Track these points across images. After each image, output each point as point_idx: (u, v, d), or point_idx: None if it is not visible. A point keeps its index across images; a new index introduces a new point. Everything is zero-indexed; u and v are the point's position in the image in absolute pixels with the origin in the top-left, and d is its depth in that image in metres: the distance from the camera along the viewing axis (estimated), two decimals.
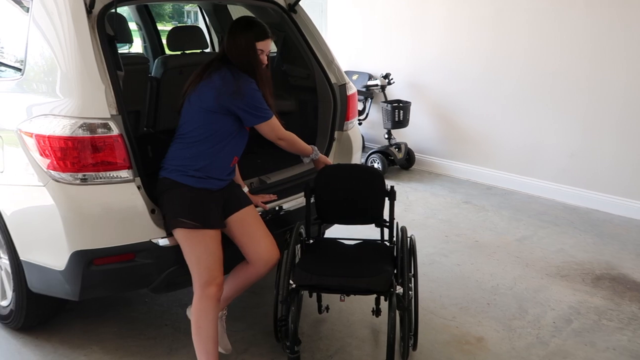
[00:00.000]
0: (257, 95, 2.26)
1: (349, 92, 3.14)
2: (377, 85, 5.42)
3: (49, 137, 2.15)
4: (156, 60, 3.24)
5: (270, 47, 2.35)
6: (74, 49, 2.22)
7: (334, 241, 2.69)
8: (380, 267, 2.33)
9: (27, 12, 2.43)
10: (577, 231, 4.00)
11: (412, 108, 5.26)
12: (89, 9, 2.27)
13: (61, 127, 2.14)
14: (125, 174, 2.22)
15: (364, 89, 5.45)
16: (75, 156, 2.14)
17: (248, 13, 3.30)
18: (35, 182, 2.22)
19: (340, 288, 2.28)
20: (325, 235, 3.06)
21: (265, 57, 2.33)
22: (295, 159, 2.65)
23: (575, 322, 2.85)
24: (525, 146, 4.77)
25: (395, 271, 2.37)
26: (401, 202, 4.42)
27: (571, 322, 2.85)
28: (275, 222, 2.65)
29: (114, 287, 2.48)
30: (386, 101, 5.31)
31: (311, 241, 2.64)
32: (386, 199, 2.63)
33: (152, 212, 2.27)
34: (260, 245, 2.38)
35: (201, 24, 4.84)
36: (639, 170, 4.18)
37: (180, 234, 2.22)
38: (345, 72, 3.28)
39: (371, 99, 5.59)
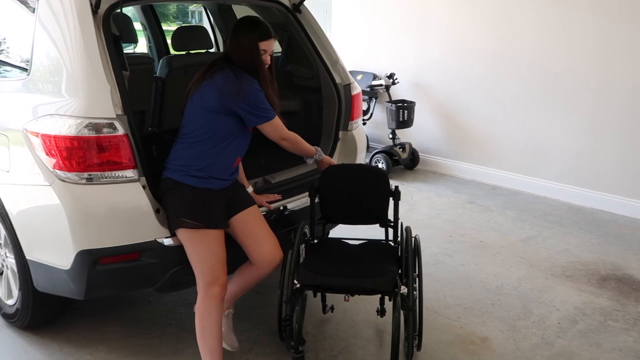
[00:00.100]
0: (260, 95, 2.26)
1: (354, 92, 3.13)
2: (381, 85, 5.41)
3: (54, 136, 2.16)
4: (161, 60, 3.25)
5: (273, 47, 2.34)
6: (80, 49, 2.23)
7: (338, 241, 2.69)
8: (385, 267, 2.33)
9: (33, 12, 2.45)
10: (582, 231, 3.99)
11: (416, 108, 5.26)
12: (95, 9, 2.28)
13: (67, 127, 2.15)
14: (130, 173, 2.23)
15: (368, 89, 5.45)
16: (81, 156, 2.15)
17: (253, 13, 3.30)
18: (41, 182, 2.23)
19: (344, 288, 2.28)
20: (330, 235, 3.06)
21: (269, 57, 2.33)
22: (299, 158, 2.65)
23: (581, 323, 2.84)
24: (530, 146, 4.76)
25: (399, 271, 2.37)
26: (405, 202, 4.41)
27: (576, 323, 2.84)
28: (280, 222, 2.65)
29: (119, 287, 2.49)
30: (390, 101, 5.31)
31: (315, 241, 2.64)
32: (390, 199, 2.63)
33: (157, 211, 2.28)
34: (263, 246, 2.38)
35: (206, 24, 4.84)
36: None
37: (183, 234, 2.22)
38: (350, 72, 3.28)
39: (375, 99, 5.58)
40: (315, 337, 2.69)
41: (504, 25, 4.75)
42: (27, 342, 2.64)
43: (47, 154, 2.19)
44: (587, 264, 3.49)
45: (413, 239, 2.48)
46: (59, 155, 2.16)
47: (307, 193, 2.66)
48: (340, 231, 3.06)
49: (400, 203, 2.64)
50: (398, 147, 5.26)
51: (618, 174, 4.29)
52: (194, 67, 2.50)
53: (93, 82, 2.21)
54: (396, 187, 2.64)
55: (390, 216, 2.65)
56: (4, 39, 2.87)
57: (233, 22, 2.56)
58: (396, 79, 5.41)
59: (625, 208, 4.26)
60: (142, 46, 4.86)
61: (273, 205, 2.63)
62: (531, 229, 4.03)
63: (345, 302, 2.41)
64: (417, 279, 2.40)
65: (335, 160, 3.02)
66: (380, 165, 5.17)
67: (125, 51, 2.79)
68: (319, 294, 2.74)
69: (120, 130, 2.19)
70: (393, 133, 5.32)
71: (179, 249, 2.26)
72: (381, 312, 2.59)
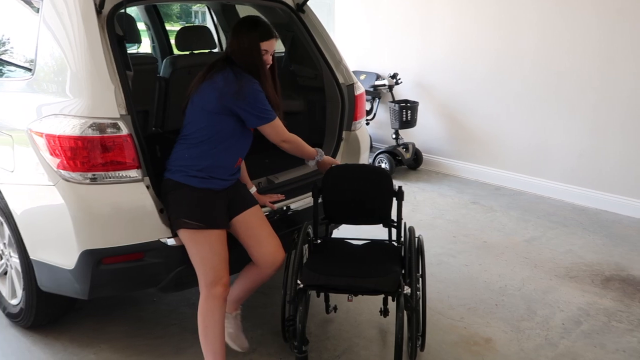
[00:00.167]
0: (260, 96, 2.24)
1: (357, 92, 3.13)
2: (384, 85, 5.41)
3: (59, 136, 2.16)
4: (164, 60, 3.25)
5: (274, 47, 2.33)
6: (84, 49, 2.23)
7: (341, 241, 2.68)
8: (388, 267, 2.33)
9: (38, 12, 2.45)
10: (586, 232, 3.98)
11: (419, 108, 5.25)
12: (99, 9, 2.28)
13: (71, 127, 2.15)
14: (134, 173, 2.23)
15: (371, 89, 5.44)
16: (85, 156, 2.16)
17: (256, 13, 3.31)
18: (45, 182, 2.23)
19: (348, 288, 2.28)
20: (333, 236, 3.06)
21: (270, 57, 2.32)
22: (302, 159, 2.65)
23: (585, 324, 2.83)
24: (534, 146, 4.75)
25: (403, 271, 2.36)
26: (409, 203, 4.40)
27: (580, 324, 2.84)
28: (283, 222, 2.65)
29: (122, 286, 2.49)
30: (394, 101, 5.30)
31: (319, 241, 2.64)
32: (394, 199, 2.62)
33: (160, 211, 2.28)
34: (264, 247, 2.37)
35: (209, 24, 4.85)
36: None
37: (184, 235, 2.22)
38: (353, 72, 3.28)
39: (379, 99, 5.58)
40: (318, 337, 2.69)
41: (506, 25, 4.74)
42: (31, 342, 2.65)
43: (51, 154, 2.20)
44: (591, 265, 3.48)
45: (416, 239, 2.47)
46: (63, 155, 2.16)
47: (310, 193, 2.66)
48: (343, 231, 3.06)
49: (404, 203, 2.63)
50: (401, 147, 5.26)
51: (622, 174, 4.28)
52: (198, 67, 2.50)
53: (97, 82, 2.21)
54: (399, 187, 2.64)
55: (394, 216, 2.65)
56: (9, 39, 2.88)
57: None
58: (399, 79, 5.41)
59: (629, 208, 4.25)
60: (145, 46, 4.87)
61: (276, 206, 2.62)
62: (535, 229, 4.02)
63: (349, 302, 2.41)
64: (420, 279, 2.40)
65: (338, 160, 3.02)
66: (383, 166, 5.16)
67: (129, 51, 2.80)
68: (322, 294, 2.74)
69: (124, 130, 2.20)
70: (396, 133, 5.31)
71: (182, 249, 2.26)
72: (384, 312, 2.59)
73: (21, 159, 2.39)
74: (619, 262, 3.51)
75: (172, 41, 4.64)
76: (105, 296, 2.86)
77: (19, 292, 2.65)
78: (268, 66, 2.32)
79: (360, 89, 3.19)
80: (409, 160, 5.28)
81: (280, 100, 2.39)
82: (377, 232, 2.79)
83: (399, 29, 5.51)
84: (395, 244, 2.64)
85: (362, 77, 5.55)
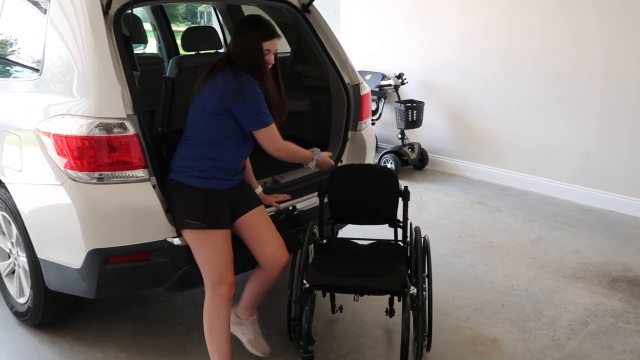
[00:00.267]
0: (260, 98, 2.21)
1: (363, 92, 3.13)
2: (390, 85, 5.40)
3: (66, 136, 2.18)
4: (171, 61, 3.27)
5: (277, 46, 2.31)
6: (91, 49, 2.24)
7: (347, 241, 2.68)
8: (394, 267, 2.33)
9: (45, 13, 2.47)
10: (592, 232, 3.96)
11: (425, 108, 5.24)
12: (106, 10, 2.29)
13: (78, 127, 2.17)
14: (140, 173, 2.24)
15: (377, 89, 5.44)
16: (91, 155, 2.17)
17: (262, 13, 3.31)
18: (53, 181, 2.25)
19: (354, 288, 2.28)
20: (339, 235, 3.06)
21: (272, 57, 2.30)
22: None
23: (592, 325, 2.82)
24: (540, 146, 4.73)
25: (409, 271, 2.36)
26: (414, 203, 4.40)
27: (587, 325, 2.82)
28: (289, 221, 2.66)
29: (129, 286, 2.51)
30: (399, 101, 5.30)
31: (325, 241, 2.64)
32: (400, 199, 2.62)
33: (167, 211, 2.29)
34: (267, 249, 2.37)
35: (215, 25, 4.86)
36: None
37: (188, 235, 2.23)
38: (359, 72, 3.27)
39: (384, 99, 5.57)
40: (324, 337, 2.69)
41: (512, 25, 4.72)
42: (38, 340, 2.66)
43: (58, 154, 2.21)
44: (598, 266, 3.46)
45: (422, 239, 2.47)
46: (70, 155, 2.17)
47: (316, 193, 2.67)
48: (349, 231, 3.06)
49: (409, 203, 2.63)
50: (407, 147, 5.25)
51: (628, 174, 4.25)
52: (203, 68, 2.50)
53: (104, 83, 2.22)
54: (405, 187, 2.63)
55: (400, 216, 2.64)
56: (16, 39, 2.90)
57: None
58: (405, 79, 5.40)
59: (636, 209, 4.22)
60: (151, 46, 4.89)
61: (282, 205, 2.63)
62: (541, 229, 4.00)
63: (355, 302, 2.41)
64: (426, 279, 2.39)
65: (344, 160, 3.02)
66: (389, 166, 5.16)
67: (135, 51, 2.81)
68: (328, 294, 2.74)
69: (131, 130, 2.21)
70: (402, 133, 5.31)
71: (188, 249, 2.26)
72: (390, 312, 2.59)
73: (29, 159, 2.41)
74: (626, 263, 3.49)
75: (178, 41, 4.65)
76: (112, 295, 2.88)
77: (27, 290, 2.67)
78: (270, 66, 2.30)
79: (366, 88, 3.19)
80: (415, 161, 5.27)
81: (285, 100, 2.38)
82: (383, 232, 2.79)
83: (405, 29, 5.50)
84: (401, 244, 2.64)
85: (368, 77, 5.54)
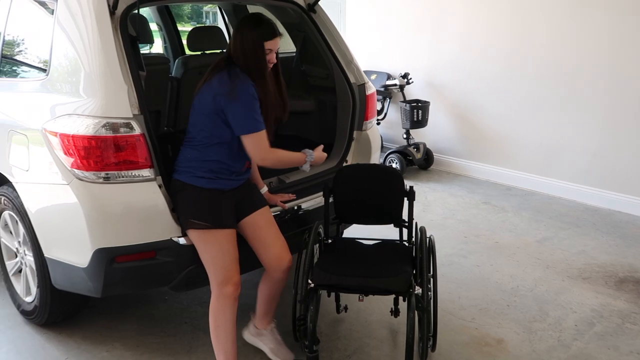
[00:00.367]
0: (253, 102, 2.16)
1: (368, 92, 3.13)
2: (395, 85, 5.40)
3: (73, 136, 2.19)
4: (176, 61, 3.28)
5: (278, 45, 2.27)
6: (98, 49, 2.25)
7: (352, 241, 2.68)
8: (399, 267, 2.32)
9: (52, 14, 2.48)
10: (599, 233, 3.94)
11: (430, 108, 5.24)
12: (112, 10, 2.30)
13: (85, 127, 2.18)
14: (147, 172, 2.25)
15: (382, 89, 5.44)
16: (98, 155, 2.18)
17: (267, 13, 3.31)
18: (59, 181, 2.26)
19: (359, 288, 2.28)
20: (344, 235, 3.06)
21: (274, 56, 2.26)
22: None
23: (598, 325, 2.81)
24: (545, 146, 4.71)
25: (414, 271, 2.36)
26: (420, 203, 4.40)
27: (594, 325, 2.81)
28: (294, 221, 2.66)
29: (135, 285, 2.52)
30: (405, 101, 5.29)
31: (330, 241, 2.64)
32: (405, 199, 2.62)
33: (172, 210, 2.29)
34: (270, 251, 2.37)
35: (220, 25, 4.87)
36: None
37: (193, 235, 2.23)
38: (364, 71, 3.27)
39: (390, 98, 5.57)
40: (329, 336, 2.70)
41: (517, 24, 4.71)
42: (45, 339, 2.68)
43: (65, 153, 2.22)
44: (604, 266, 3.44)
45: (428, 239, 2.46)
46: (77, 155, 2.18)
47: (321, 193, 2.67)
48: (354, 231, 3.05)
49: (415, 203, 2.63)
50: (412, 147, 5.24)
51: (635, 174, 4.23)
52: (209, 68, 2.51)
53: (110, 83, 2.23)
54: (410, 187, 2.63)
55: (405, 216, 2.64)
56: (23, 40, 2.91)
57: None
58: (410, 78, 5.39)
59: None
60: (157, 46, 4.91)
61: (287, 205, 2.63)
62: (547, 230, 3.99)
63: (360, 302, 2.41)
64: (431, 279, 2.39)
65: (349, 160, 3.02)
66: (394, 166, 5.15)
67: (141, 51, 2.82)
68: (333, 294, 2.74)
69: (137, 130, 2.21)
70: (407, 133, 5.30)
71: (193, 248, 2.27)
72: (395, 312, 2.59)
73: (36, 158, 2.42)
74: (632, 264, 3.48)
75: (184, 41, 4.67)
76: (118, 294, 2.88)
77: (34, 289, 2.68)
78: (271, 65, 2.27)
79: (372, 88, 3.19)
80: (420, 160, 5.27)
81: (286, 100, 2.37)
82: (388, 232, 2.79)
83: (410, 28, 5.50)
84: (406, 244, 2.64)
85: (373, 76, 5.54)
